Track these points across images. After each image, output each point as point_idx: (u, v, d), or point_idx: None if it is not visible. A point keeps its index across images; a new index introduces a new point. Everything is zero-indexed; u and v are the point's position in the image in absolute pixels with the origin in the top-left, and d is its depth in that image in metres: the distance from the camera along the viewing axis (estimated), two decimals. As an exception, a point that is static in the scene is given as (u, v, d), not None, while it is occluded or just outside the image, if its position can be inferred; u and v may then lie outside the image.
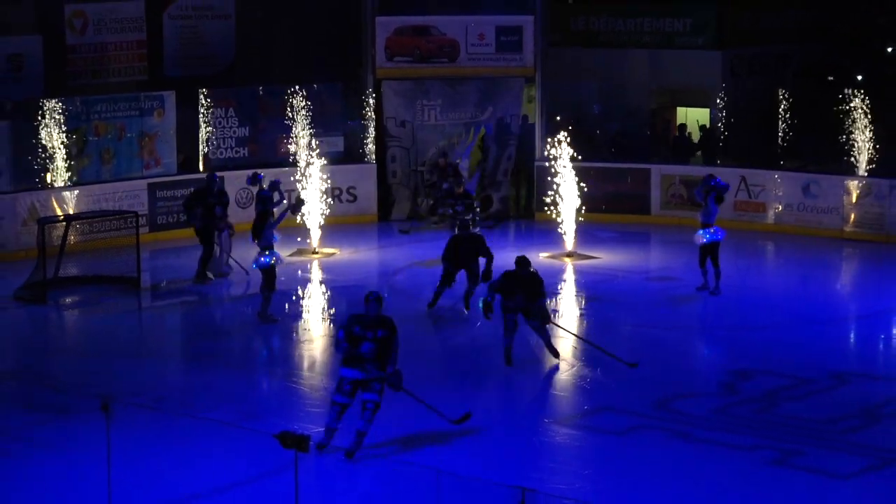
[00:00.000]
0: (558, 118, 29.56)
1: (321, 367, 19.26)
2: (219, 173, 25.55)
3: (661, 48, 32.42)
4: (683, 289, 22.96)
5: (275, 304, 21.05)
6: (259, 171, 24.83)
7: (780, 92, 30.34)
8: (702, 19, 32.34)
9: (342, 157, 29.48)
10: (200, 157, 28.52)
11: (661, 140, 32.80)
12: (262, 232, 20.97)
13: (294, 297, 22.77)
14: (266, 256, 20.84)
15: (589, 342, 18.97)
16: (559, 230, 25.58)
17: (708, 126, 31.87)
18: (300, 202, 23.85)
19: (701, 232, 22.31)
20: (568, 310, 22.46)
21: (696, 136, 32.02)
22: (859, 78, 33.14)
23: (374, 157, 29.61)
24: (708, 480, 14.55)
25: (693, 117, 32.83)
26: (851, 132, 27.46)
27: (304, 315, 22.21)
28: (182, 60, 30.58)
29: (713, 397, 17.45)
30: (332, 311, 22.37)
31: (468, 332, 20.57)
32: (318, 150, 26.59)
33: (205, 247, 23.58)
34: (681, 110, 33.32)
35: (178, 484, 14.32)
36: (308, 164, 26.32)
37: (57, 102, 26.50)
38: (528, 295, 18.23)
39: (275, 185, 22.99)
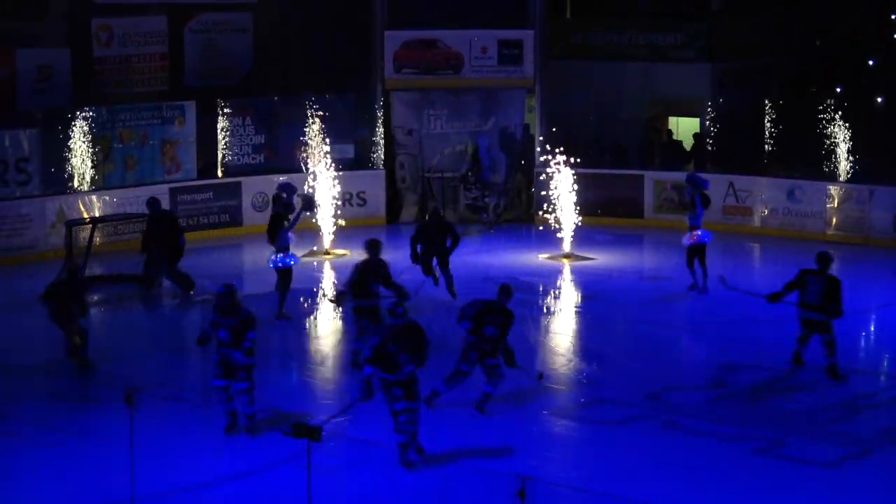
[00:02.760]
0: (555, 129, 29.59)
1: (332, 362, 19.29)
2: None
3: (654, 61, 32.41)
4: (674, 288, 22.96)
5: (289, 303, 21.06)
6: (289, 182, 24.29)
7: (766, 102, 30.34)
8: (692, 34, 32.34)
9: (353, 163, 29.51)
10: (219, 163, 28.55)
11: (655, 148, 32.79)
12: (277, 234, 20.97)
13: (307, 296, 22.76)
14: (282, 257, 20.84)
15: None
16: (558, 233, 25.62)
17: (699, 133, 31.85)
18: (309, 201, 23.30)
19: (688, 234, 22.35)
20: (565, 308, 22.48)
21: (687, 145, 31.99)
22: (840, 90, 33.14)
23: (382, 163, 29.67)
24: (697, 468, 14.57)
25: (684, 126, 32.81)
26: (833, 141, 27.48)
27: (316, 313, 22.21)
28: (202, 72, 30.64)
29: (702, 390, 17.47)
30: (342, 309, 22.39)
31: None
32: (329, 157, 26.60)
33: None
34: (672, 120, 33.30)
35: (197, 471, 14.35)
36: (316, 167, 26.35)
37: (84, 111, 26.54)
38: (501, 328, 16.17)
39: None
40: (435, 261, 21.85)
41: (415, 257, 21.82)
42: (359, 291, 17.86)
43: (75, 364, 18.14)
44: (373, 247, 18.25)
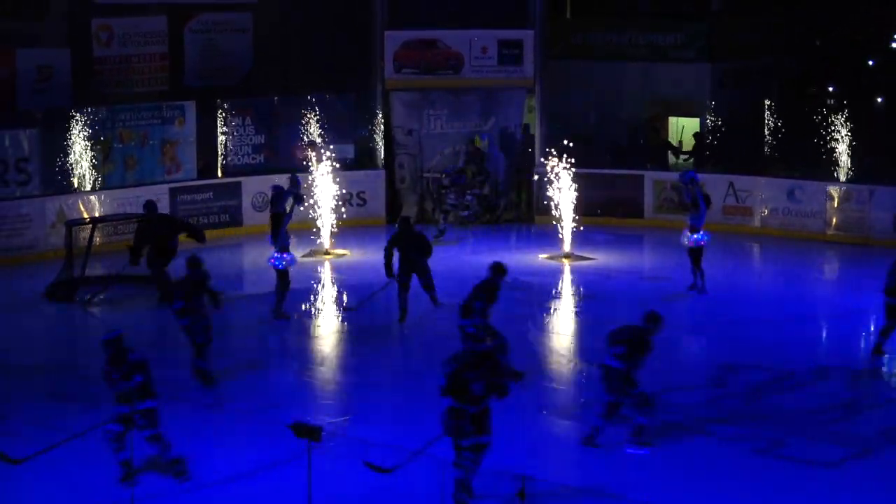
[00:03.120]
0: (559, 130, 29.58)
1: (332, 362, 19.29)
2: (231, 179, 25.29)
3: (654, 61, 32.41)
4: (674, 288, 22.95)
5: (288, 302, 21.06)
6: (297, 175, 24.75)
7: (766, 102, 30.34)
8: (692, 34, 32.33)
9: (353, 163, 29.52)
10: (219, 163, 28.56)
11: (654, 148, 32.78)
12: (278, 234, 20.99)
13: (307, 296, 22.77)
14: (279, 257, 20.82)
15: None
16: (558, 233, 25.62)
17: (699, 133, 31.85)
18: (297, 197, 23.13)
19: (687, 236, 22.34)
20: (565, 307, 22.46)
21: (688, 146, 31.99)
22: (838, 89, 33.15)
23: (382, 163, 29.67)
24: (697, 468, 14.57)
25: (684, 126, 32.80)
26: (833, 141, 27.49)
27: (316, 312, 22.21)
28: (202, 72, 30.64)
29: (702, 390, 17.47)
30: (344, 307, 22.39)
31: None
32: (330, 157, 26.59)
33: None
34: (672, 119, 33.30)
35: (198, 470, 14.34)
36: (315, 166, 26.39)
37: (84, 111, 26.54)
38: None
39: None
40: (417, 280, 20.84)
41: (389, 271, 20.84)
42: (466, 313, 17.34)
43: (197, 377, 17.54)
44: (497, 270, 17.51)
